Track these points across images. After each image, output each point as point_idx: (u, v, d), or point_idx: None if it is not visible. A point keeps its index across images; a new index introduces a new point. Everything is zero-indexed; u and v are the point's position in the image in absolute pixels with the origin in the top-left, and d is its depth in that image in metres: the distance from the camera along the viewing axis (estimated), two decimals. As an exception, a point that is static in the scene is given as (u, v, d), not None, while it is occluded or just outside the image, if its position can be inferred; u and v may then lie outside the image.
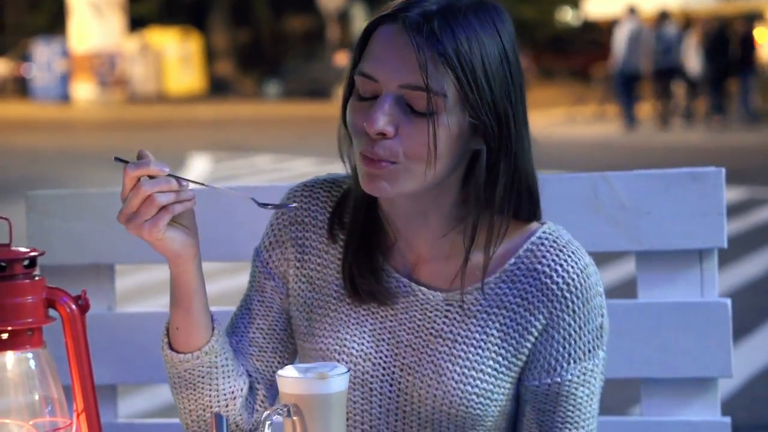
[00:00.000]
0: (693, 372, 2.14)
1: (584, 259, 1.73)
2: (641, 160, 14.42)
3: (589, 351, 1.72)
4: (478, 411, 1.71)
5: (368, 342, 1.76)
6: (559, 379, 1.71)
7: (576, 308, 1.70)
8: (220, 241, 2.29)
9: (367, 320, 1.77)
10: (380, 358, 1.76)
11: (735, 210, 10.43)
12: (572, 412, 1.72)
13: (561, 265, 1.71)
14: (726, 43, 19.83)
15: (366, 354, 1.76)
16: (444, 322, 1.73)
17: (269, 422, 1.55)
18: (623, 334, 2.14)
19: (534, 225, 1.75)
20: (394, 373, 1.75)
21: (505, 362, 1.72)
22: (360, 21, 34.98)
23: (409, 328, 1.75)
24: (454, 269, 1.73)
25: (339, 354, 1.76)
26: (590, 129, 19.77)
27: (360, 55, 1.68)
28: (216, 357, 1.77)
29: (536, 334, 1.71)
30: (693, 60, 19.81)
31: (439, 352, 1.72)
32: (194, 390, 1.77)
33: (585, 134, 19.13)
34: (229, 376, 1.79)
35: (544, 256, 1.71)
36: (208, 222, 2.28)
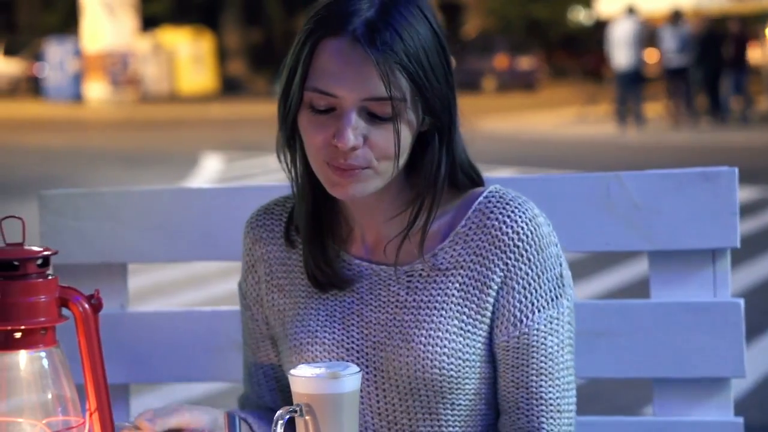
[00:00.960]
0: (706, 372, 2.14)
1: (532, 210, 1.79)
2: (653, 160, 14.39)
3: (552, 299, 1.78)
4: (452, 372, 1.76)
5: (339, 329, 1.82)
6: (526, 330, 1.76)
7: (530, 256, 1.77)
8: (233, 240, 2.29)
9: (335, 309, 1.84)
10: (352, 342, 1.81)
11: (748, 210, 10.41)
12: (544, 362, 1.77)
13: (509, 217, 1.77)
14: (717, 42, 19.78)
15: (338, 341, 1.81)
16: (407, 293, 1.80)
17: (281, 422, 1.55)
18: (635, 333, 2.14)
19: (479, 189, 1.82)
20: (367, 353, 1.80)
21: (470, 320, 1.77)
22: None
23: (375, 307, 1.81)
24: (411, 243, 1.79)
25: (311, 345, 1.82)
26: (602, 128, 19.73)
27: (305, 70, 1.72)
28: None
29: (496, 287, 1.77)
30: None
31: (405, 321, 1.78)
32: None
33: (597, 133, 19.10)
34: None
35: (491, 212, 1.78)
36: (218, 221, 2.29)
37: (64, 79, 33.04)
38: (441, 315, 1.77)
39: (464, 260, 1.78)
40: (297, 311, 1.86)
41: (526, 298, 1.76)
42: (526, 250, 1.76)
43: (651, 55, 19.55)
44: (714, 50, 19.61)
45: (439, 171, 1.77)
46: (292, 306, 1.88)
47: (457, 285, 1.78)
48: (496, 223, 1.77)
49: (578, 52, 39.70)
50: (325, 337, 1.82)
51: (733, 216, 2.11)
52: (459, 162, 1.80)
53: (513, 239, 1.76)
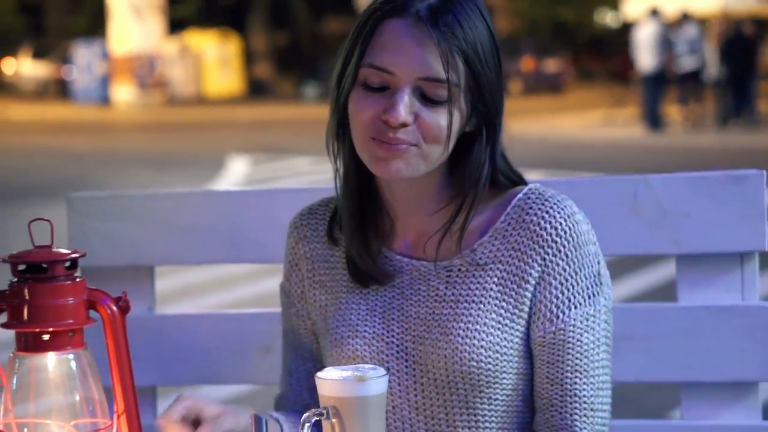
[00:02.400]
0: (734, 376, 2.13)
1: (570, 208, 1.81)
2: (681, 163, 14.34)
3: (589, 297, 1.79)
4: (489, 366, 1.77)
5: (379, 323, 1.84)
6: (562, 325, 1.78)
7: (568, 252, 1.78)
8: (260, 243, 2.29)
9: (376, 304, 1.86)
10: (392, 336, 1.83)
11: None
12: (579, 360, 1.78)
13: (547, 213, 1.79)
14: (745, 44, 19.64)
15: (378, 334, 1.84)
16: (446, 287, 1.81)
17: (308, 424, 1.55)
18: (663, 337, 2.13)
19: (519, 187, 1.84)
20: (406, 347, 1.82)
21: (508, 314, 1.79)
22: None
23: (416, 301, 1.83)
24: (451, 239, 1.81)
25: (352, 338, 1.84)
26: (629, 131, 19.66)
27: (364, 48, 1.75)
28: None
29: (533, 282, 1.79)
30: (711, 62, 19.74)
31: (444, 315, 1.80)
32: None
33: (624, 136, 19.04)
34: None
35: (530, 208, 1.80)
36: (245, 224, 2.30)
37: (91, 81, 33.16)
38: (479, 309, 1.78)
39: (503, 255, 1.80)
40: (338, 306, 1.89)
41: (562, 293, 1.78)
42: (564, 246, 1.78)
43: (668, 60, 19.44)
44: (739, 52, 19.46)
45: (482, 169, 1.79)
46: (333, 301, 1.90)
47: (495, 279, 1.79)
48: (535, 218, 1.79)
49: (605, 55, 39.62)
50: (365, 331, 1.84)
51: (762, 219, 2.10)
52: (499, 162, 1.83)
53: (551, 234, 1.78)
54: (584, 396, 1.78)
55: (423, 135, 1.72)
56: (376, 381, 1.56)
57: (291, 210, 2.20)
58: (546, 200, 1.80)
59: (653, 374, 2.16)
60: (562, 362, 1.78)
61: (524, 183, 1.86)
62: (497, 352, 1.78)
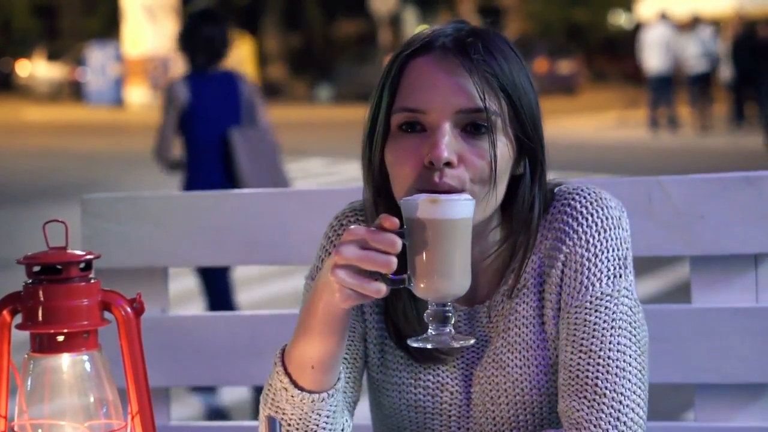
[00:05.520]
0: (748, 378, 2.12)
1: (599, 193, 1.72)
2: (694, 164, 14.31)
3: (608, 278, 1.67)
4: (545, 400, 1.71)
5: (443, 372, 1.77)
6: (577, 303, 1.67)
7: (594, 234, 1.69)
8: (273, 244, 2.29)
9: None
10: (455, 385, 1.77)
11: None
12: (586, 339, 1.64)
13: (570, 203, 1.71)
14: (755, 45, 19.53)
15: (442, 384, 1.77)
16: (499, 319, 1.74)
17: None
18: (677, 339, 2.12)
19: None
20: (469, 393, 1.76)
21: (550, 330, 1.71)
22: (411, 25, 34.98)
23: (477, 348, 1.76)
24: (485, 276, 1.74)
25: (415, 387, 1.78)
26: (643, 132, 19.63)
27: (392, 93, 1.66)
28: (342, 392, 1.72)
29: (559, 269, 1.69)
30: (723, 65, 19.69)
31: (499, 348, 1.73)
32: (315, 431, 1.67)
33: (638, 138, 19.01)
34: (343, 410, 1.72)
35: (555, 209, 1.72)
36: (258, 225, 2.30)
37: (105, 83, 33.24)
38: (526, 327, 1.72)
39: (533, 281, 1.72)
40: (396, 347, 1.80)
41: (582, 274, 1.67)
42: (591, 228, 1.68)
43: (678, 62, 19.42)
44: (748, 54, 19.37)
45: (532, 210, 1.69)
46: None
47: (535, 297, 1.72)
48: (559, 215, 1.71)
49: (618, 56, 39.51)
50: (428, 381, 1.77)
51: (776, 221, 2.09)
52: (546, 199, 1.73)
53: (577, 219, 1.69)
54: (587, 378, 1.62)
55: (470, 175, 1.61)
56: (450, 204, 1.52)
57: (304, 211, 2.20)
58: (568, 193, 1.72)
59: (667, 376, 2.15)
60: (571, 342, 1.66)
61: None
62: (552, 373, 1.71)
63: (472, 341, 1.57)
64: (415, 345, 1.56)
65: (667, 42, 19.04)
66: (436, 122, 1.62)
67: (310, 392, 1.64)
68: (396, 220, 1.51)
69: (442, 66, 1.63)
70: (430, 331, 1.54)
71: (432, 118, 1.62)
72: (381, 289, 1.50)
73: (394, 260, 1.49)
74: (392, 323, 1.76)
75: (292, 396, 1.64)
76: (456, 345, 1.54)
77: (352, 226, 1.53)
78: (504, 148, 1.64)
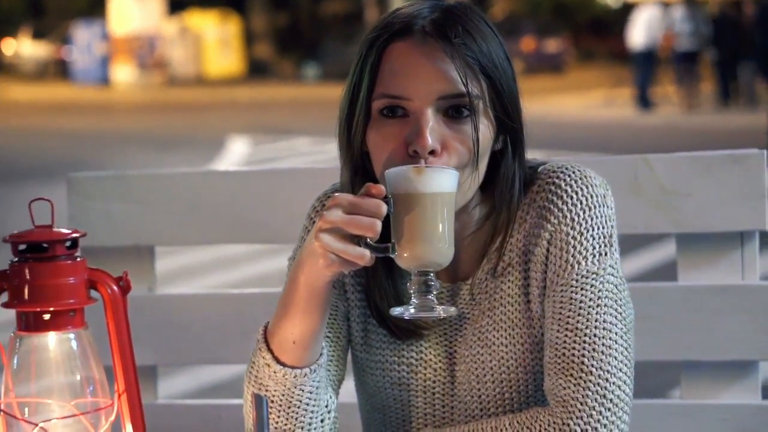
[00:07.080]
0: (734, 355, 2.13)
1: (583, 172, 1.71)
2: (681, 142, 14.32)
3: (593, 256, 1.67)
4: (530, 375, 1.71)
5: (426, 349, 1.77)
6: (562, 282, 1.66)
7: (579, 213, 1.68)
8: (260, 223, 2.29)
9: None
10: (439, 362, 1.77)
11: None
12: (571, 318, 1.64)
13: (554, 183, 1.70)
14: (733, 25, 19.50)
15: (425, 361, 1.77)
16: (483, 297, 1.74)
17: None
18: (663, 316, 2.13)
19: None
20: (453, 371, 1.76)
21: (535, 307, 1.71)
22: (398, 3, 34.89)
23: (459, 325, 1.76)
24: (467, 253, 1.73)
25: (398, 365, 1.78)
26: (630, 111, 19.64)
27: (372, 78, 1.65)
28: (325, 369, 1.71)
29: (543, 256, 1.69)
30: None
31: (484, 326, 1.73)
32: (298, 408, 1.66)
33: (625, 116, 19.01)
34: (327, 387, 1.72)
35: (539, 186, 1.71)
36: (245, 204, 2.30)
37: (91, 62, 33.14)
38: (510, 305, 1.72)
39: (518, 260, 1.72)
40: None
41: (568, 252, 1.67)
42: (576, 206, 1.68)
43: (667, 38, 19.37)
44: (728, 33, 19.35)
45: (513, 187, 1.69)
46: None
47: (519, 275, 1.72)
48: (543, 194, 1.70)
49: (605, 35, 39.49)
50: (411, 357, 1.77)
51: (762, 198, 2.10)
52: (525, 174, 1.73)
53: (561, 198, 1.69)
54: (573, 356, 1.62)
55: (455, 163, 1.61)
56: (428, 175, 1.53)
57: (291, 190, 2.20)
58: (553, 171, 1.72)
59: (653, 354, 2.16)
60: (557, 321, 1.65)
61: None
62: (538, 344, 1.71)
63: (454, 309, 1.57)
64: (396, 313, 1.57)
65: (649, 18, 19.04)
66: (419, 109, 1.62)
67: (293, 368, 1.64)
68: (382, 188, 1.53)
69: (422, 51, 1.63)
70: (413, 300, 1.55)
71: (415, 104, 1.62)
72: (365, 254, 1.51)
73: (379, 224, 1.51)
74: (374, 301, 1.76)
75: (275, 372, 1.64)
76: (438, 312, 1.55)
77: (337, 194, 1.54)
78: (486, 130, 1.65)
